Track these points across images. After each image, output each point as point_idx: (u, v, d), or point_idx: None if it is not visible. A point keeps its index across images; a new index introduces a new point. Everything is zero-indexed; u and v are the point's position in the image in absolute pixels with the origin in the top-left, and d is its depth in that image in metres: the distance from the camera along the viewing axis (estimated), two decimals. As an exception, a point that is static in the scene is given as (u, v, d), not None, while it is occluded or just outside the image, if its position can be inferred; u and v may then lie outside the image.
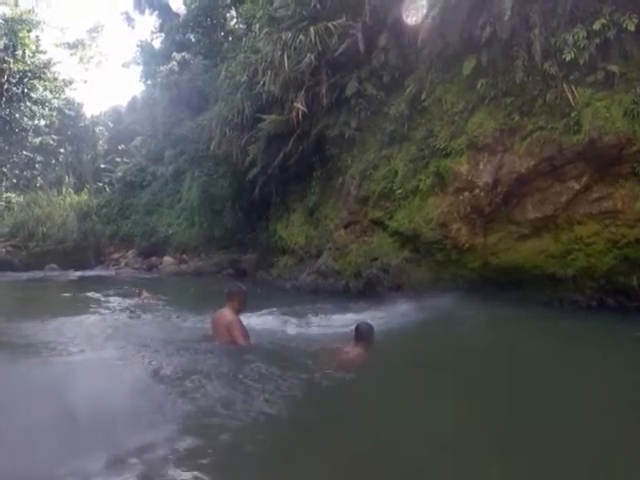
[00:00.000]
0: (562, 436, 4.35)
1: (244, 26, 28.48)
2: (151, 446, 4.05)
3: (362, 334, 6.64)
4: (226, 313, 7.18)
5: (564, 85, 10.51)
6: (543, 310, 10.45)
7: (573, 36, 10.33)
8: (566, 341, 8.10)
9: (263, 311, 10.58)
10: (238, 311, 7.29)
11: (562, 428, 4.54)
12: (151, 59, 40.01)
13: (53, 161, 44.75)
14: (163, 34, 39.48)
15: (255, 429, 4.51)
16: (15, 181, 42.00)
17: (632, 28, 9.70)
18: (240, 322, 7.14)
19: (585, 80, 10.41)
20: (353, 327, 6.92)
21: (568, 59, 10.35)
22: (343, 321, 9.62)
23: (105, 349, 7.51)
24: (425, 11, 12.37)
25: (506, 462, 3.97)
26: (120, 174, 37.34)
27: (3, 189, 39.66)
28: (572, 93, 10.39)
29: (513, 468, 3.87)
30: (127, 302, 13.18)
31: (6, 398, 4.50)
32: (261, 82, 17.46)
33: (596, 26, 10.05)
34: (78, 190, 38.80)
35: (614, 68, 10.01)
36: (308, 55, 15.91)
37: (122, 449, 3.94)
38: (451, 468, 3.90)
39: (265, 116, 17.99)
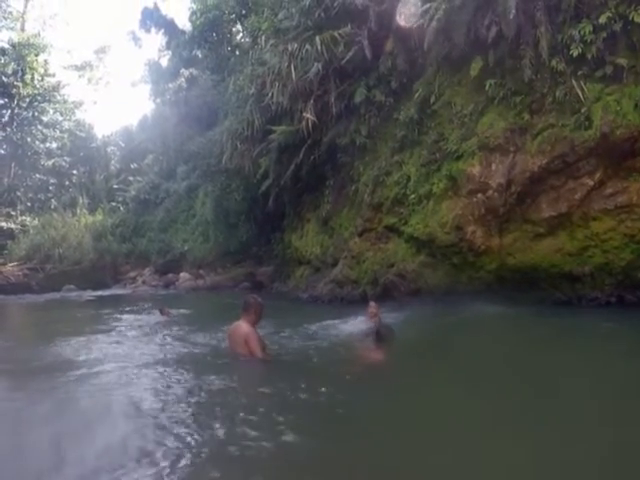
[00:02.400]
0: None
1: (250, 39, 28.57)
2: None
3: (380, 336, 6.65)
4: (242, 325, 7.12)
5: (573, 81, 10.46)
6: (562, 309, 10.36)
7: (579, 31, 10.29)
8: (589, 340, 8.02)
9: (281, 322, 10.54)
10: (254, 323, 7.21)
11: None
12: (159, 77, 40.32)
13: (66, 183, 45.19)
14: (170, 51, 39.79)
15: (278, 449, 4.13)
16: (29, 204, 42.35)
17: (638, 20, 9.65)
18: (257, 334, 7.08)
19: (594, 75, 10.35)
20: (371, 330, 6.92)
21: (576, 54, 10.31)
22: (359, 327, 9.58)
23: (120, 368, 7.42)
24: (430, 14, 12.32)
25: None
26: (134, 192, 37.64)
27: (18, 212, 39.97)
28: (581, 89, 10.33)
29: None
30: (144, 320, 13.14)
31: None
32: (269, 94, 17.50)
33: (602, 20, 9.99)
34: (92, 210, 39.16)
35: (622, 61, 9.94)
36: (315, 64, 15.93)
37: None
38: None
39: (275, 127, 18.04)
